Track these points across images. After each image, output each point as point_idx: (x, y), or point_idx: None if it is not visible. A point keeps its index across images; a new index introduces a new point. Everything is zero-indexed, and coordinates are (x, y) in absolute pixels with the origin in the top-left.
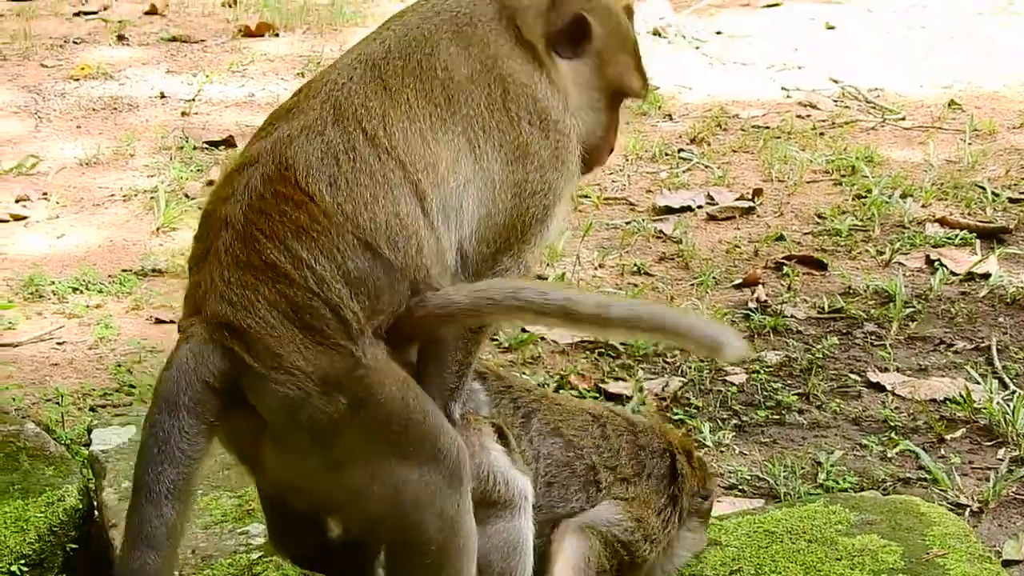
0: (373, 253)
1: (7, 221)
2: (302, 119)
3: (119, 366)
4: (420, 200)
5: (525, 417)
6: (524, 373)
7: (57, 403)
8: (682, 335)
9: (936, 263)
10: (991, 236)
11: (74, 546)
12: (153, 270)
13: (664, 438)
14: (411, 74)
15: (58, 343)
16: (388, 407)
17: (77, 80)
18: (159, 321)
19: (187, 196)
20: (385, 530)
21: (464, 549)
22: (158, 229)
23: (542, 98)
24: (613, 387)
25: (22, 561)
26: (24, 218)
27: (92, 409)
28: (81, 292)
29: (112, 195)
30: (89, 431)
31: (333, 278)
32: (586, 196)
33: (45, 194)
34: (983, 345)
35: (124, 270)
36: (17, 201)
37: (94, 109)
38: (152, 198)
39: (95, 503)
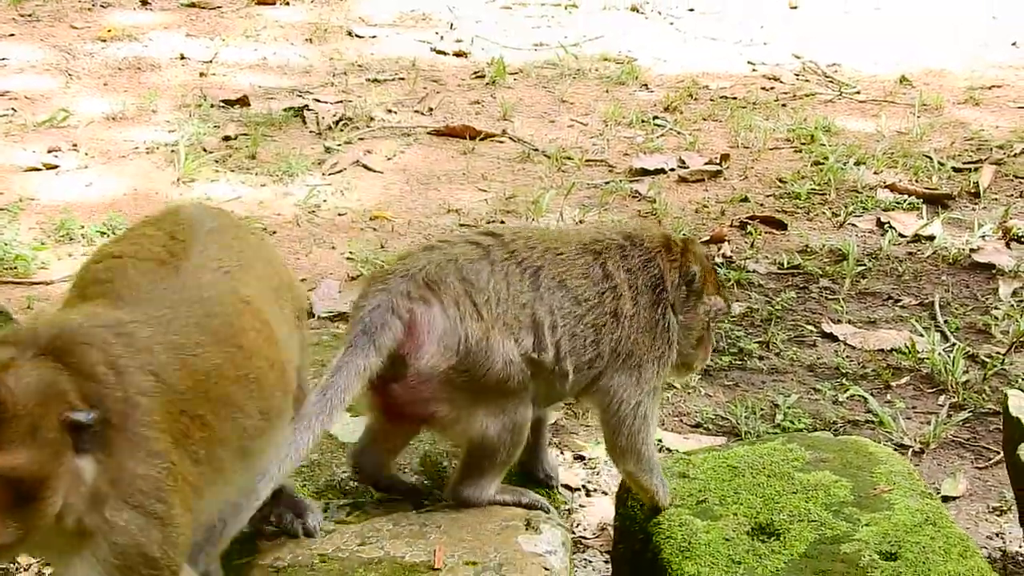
0: None
1: (40, 170)
2: None
3: None
4: None
5: (533, 276)
6: None
7: None
8: None
9: (886, 225)
10: (936, 202)
11: None
12: None
13: (653, 242)
14: None
15: None
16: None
17: (104, 41)
18: None
19: (205, 150)
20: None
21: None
22: (178, 180)
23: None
24: None
25: None
26: (55, 167)
27: None
28: (107, 236)
29: (136, 148)
30: None
31: None
32: (569, 158)
33: (75, 145)
34: (927, 301)
35: (147, 217)
36: (49, 151)
37: (119, 68)
38: (173, 151)
39: None
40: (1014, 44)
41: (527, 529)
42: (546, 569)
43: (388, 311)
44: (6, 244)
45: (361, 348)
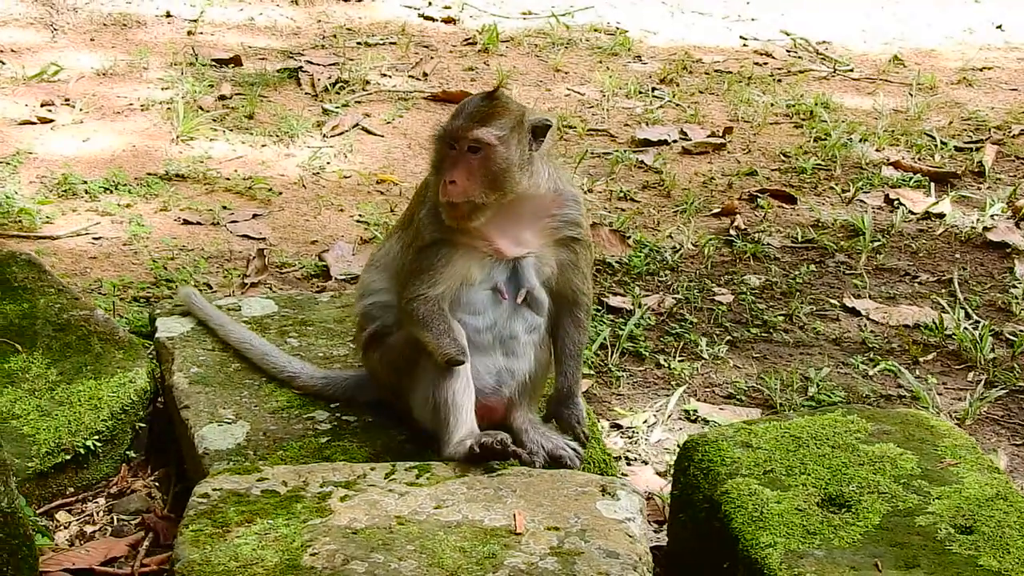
0: None
1: (34, 123)
2: None
3: (155, 262)
4: None
5: None
6: None
7: (101, 293)
8: None
9: (896, 202)
10: (942, 180)
11: (142, 425)
12: (176, 175)
13: None
14: None
15: (94, 238)
16: None
17: None
18: (186, 222)
19: (201, 108)
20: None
21: None
22: (177, 138)
23: None
24: (613, 301)
25: (96, 437)
26: (50, 121)
27: (135, 300)
28: (111, 192)
29: (131, 104)
30: (152, 320)
31: None
32: (571, 127)
33: (67, 100)
34: (944, 278)
35: (149, 174)
36: (43, 105)
37: (104, 24)
38: (169, 109)
39: (161, 386)
40: (999, 27)
41: (603, 495)
42: (629, 536)
43: None
44: (8, 197)
45: None
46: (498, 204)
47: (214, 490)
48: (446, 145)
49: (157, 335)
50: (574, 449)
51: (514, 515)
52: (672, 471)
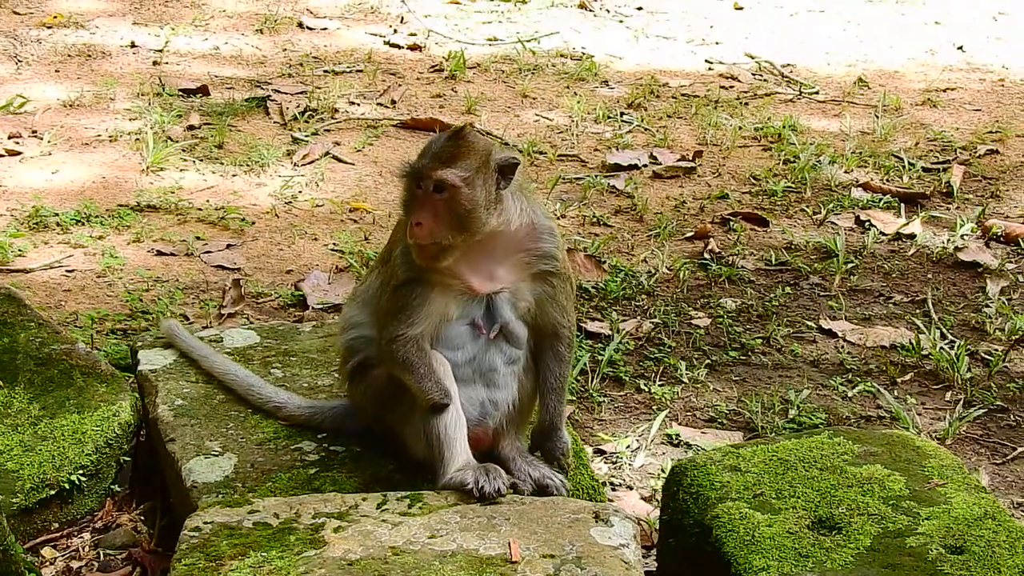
0: None
1: (2, 156)
2: None
3: (130, 293)
4: None
5: None
6: None
7: (77, 326)
8: None
9: (867, 223)
10: (911, 201)
11: (127, 458)
12: (148, 206)
13: None
14: None
15: (68, 271)
16: None
17: (49, 27)
18: (160, 253)
19: (170, 139)
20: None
21: None
22: (147, 168)
23: None
24: (591, 326)
25: (80, 471)
26: (18, 153)
27: (112, 332)
28: (83, 224)
29: (99, 135)
30: (134, 352)
31: None
32: (541, 152)
33: (35, 132)
34: (918, 299)
35: (121, 205)
36: (10, 138)
37: (69, 55)
38: (138, 139)
39: (144, 419)
40: (960, 48)
41: (597, 521)
42: (624, 563)
43: None
44: None
45: None
46: (466, 244)
47: (205, 523)
48: (413, 184)
49: (140, 368)
50: (560, 480)
51: (509, 543)
52: (659, 496)
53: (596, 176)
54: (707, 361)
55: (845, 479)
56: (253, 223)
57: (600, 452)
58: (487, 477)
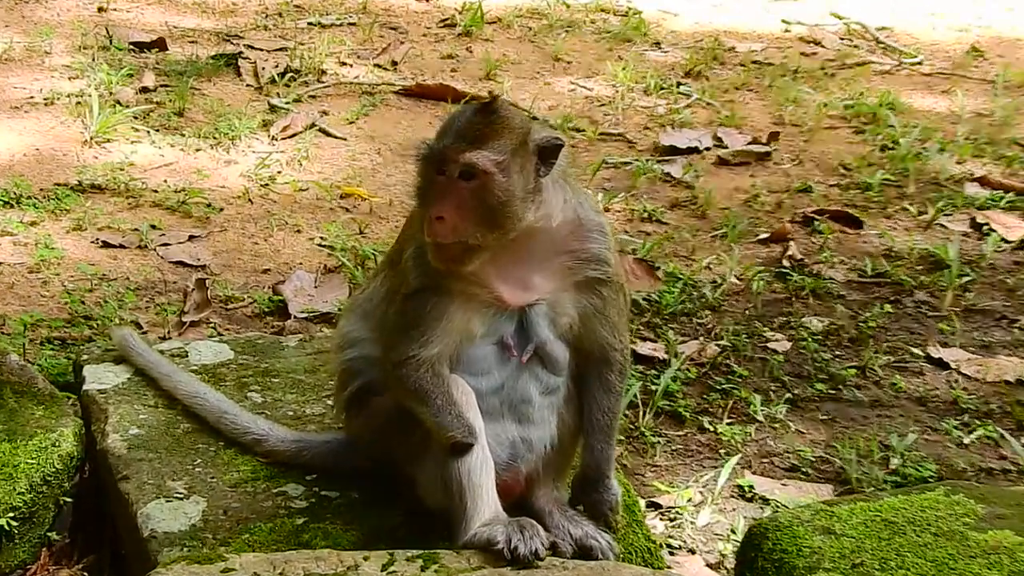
0: None
1: None
2: None
3: (69, 294)
4: None
5: None
6: None
7: (5, 332)
8: None
9: (985, 227)
10: None
11: (67, 499)
12: (92, 186)
13: None
14: None
15: None
16: None
17: None
18: (106, 245)
19: (119, 103)
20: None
21: None
22: (91, 139)
23: None
24: (643, 348)
25: (11, 514)
26: None
27: (48, 341)
28: (11, 207)
29: (31, 97)
30: (77, 368)
31: None
32: (579, 130)
33: None
34: None
35: (58, 184)
36: None
37: None
38: (79, 103)
39: (90, 451)
40: None
41: None
42: None
43: None
44: None
45: None
46: (497, 243)
47: None
48: (432, 169)
49: (85, 387)
50: (607, 541)
51: None
52: (730, 563)
53: (647, 161)
54: (787, 395)
55: (967, 548)
56: (221, 209)
57: (655, 506)
58: (521, 535)
